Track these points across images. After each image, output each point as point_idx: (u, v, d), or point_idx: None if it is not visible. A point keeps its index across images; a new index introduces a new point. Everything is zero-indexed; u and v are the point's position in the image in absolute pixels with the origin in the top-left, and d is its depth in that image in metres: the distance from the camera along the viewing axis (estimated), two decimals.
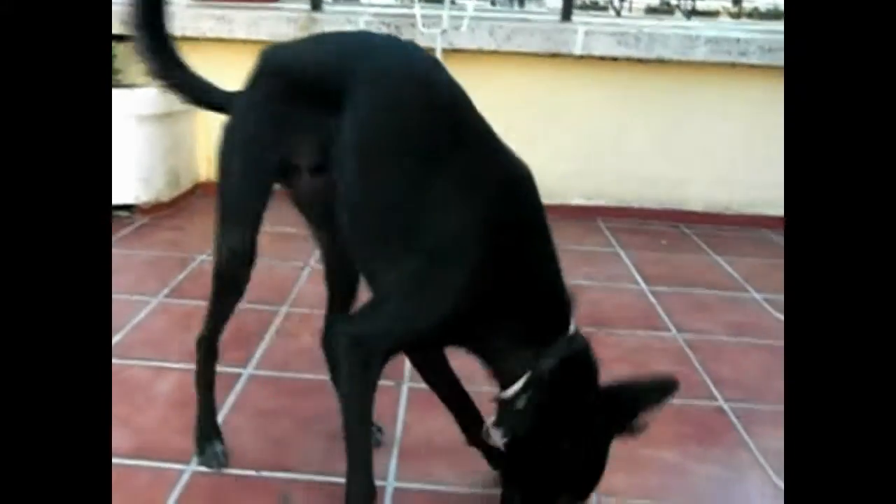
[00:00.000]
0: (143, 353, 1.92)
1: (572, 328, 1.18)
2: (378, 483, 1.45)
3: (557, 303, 1.19)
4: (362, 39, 1.35)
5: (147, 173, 3.09)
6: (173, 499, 1.38)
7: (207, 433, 1.50)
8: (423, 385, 1.80)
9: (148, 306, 2.20)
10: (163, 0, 1.34)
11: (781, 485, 1.53)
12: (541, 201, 1.20)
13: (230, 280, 1.39)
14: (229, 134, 1.33)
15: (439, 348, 1.33)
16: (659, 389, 1.16)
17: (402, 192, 1.15)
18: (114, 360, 1.86)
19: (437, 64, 1.27)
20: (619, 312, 2.42)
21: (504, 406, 1.19)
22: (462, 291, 1.10)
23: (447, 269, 1.11)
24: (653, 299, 2.54)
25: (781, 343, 2.24)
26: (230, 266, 1.36)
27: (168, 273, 2.48)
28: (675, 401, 1.91)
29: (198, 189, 3.49)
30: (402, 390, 1.83)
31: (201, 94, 1.40)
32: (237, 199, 1.34)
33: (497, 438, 1.22)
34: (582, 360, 1.17)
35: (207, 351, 1.49)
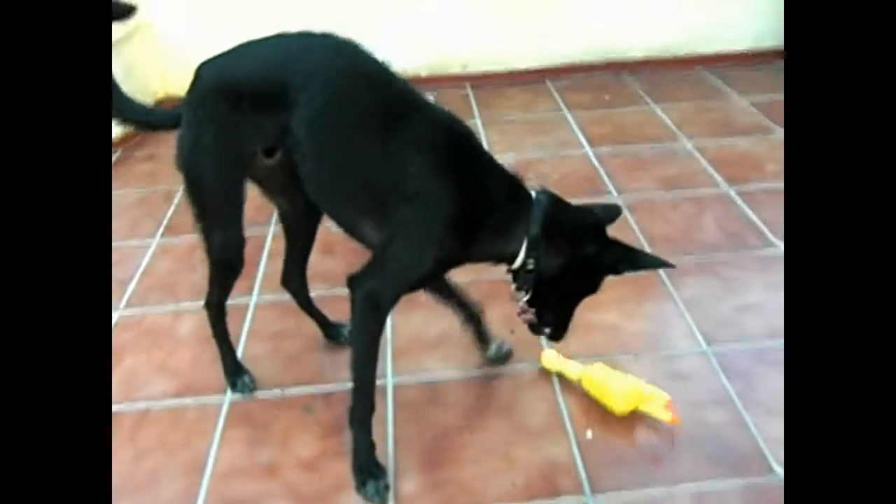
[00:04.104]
0: (158, 297, 2.20)
1: (533, 193, 1.46)
2: (379, 382, 1.80)
3: (513, 185, 1.46)
4: (291, 44, 1.49)
5: None
6: (220, 427, 1.72)
7: (233, 369, 1.81)
8: None
9: (149, 250, 2.46)
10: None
11: (696, 329, 1.91)
12: (480, 142, 1.48)
13: (228, 267, 1.67)
14: (191, 147, 1.52)
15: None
16: (611, 211, 1.53)
17: (366, 162, 1.41)
18: (134, 309, 2.15)
19: (363, 51, 1.46)
20: (566, 181, 2.69)
21: (517, 273, 1.48)
22: (445, 223, 1.38)
23: (427, 210, 1.37)
24: (596, 162, 2.81)
25: (704, 191, 2.57)
26: (227, 256, 1.63)
27: (157, 210, 2.70)
28: None
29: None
30: None
31: (150, 118, 1.66)
32: (219, 200, 1.56)
33: (520, 296, 1.53)
34: (555, 209, 1.45)
35: (217, 314, 1.77)
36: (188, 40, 3.46)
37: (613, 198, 2.55)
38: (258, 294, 2.17)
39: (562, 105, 3.35)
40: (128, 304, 2.17)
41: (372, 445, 1.54)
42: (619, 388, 1.64)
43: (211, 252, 1.63)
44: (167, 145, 3.17)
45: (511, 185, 1.46)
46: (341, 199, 1.50)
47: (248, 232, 1.63)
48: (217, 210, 1.57)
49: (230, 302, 2.14)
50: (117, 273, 2.27)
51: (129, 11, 1.48)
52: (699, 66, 3.63)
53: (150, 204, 2.76)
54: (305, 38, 1.48)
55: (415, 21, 3.53)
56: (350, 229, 1.52)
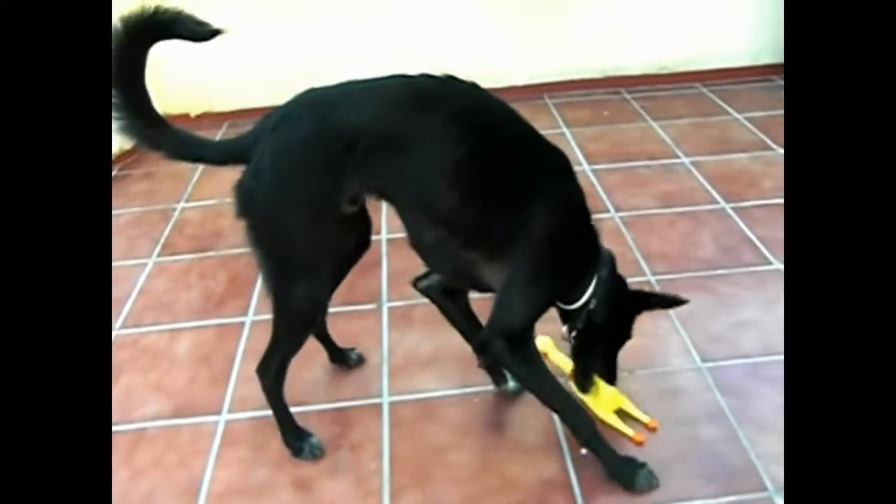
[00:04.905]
0: (155, 317, 2.20)
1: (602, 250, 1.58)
2: (374, 400, 1.81)
3: (595, 238, 1.56)
4: (420, 89, 1.43)
5: None
6: (215, 447, 1.71)
7: (296, 436, 1.67)
8: (400, 304, 2.11)
9: (145, 269, 2.45)
10: (142, 58, 1.42)
11: (691, 345, 1.91)
12: (578, 181, 1.54)
13: (310, 321, 1.55)
14: (277, 192, 1.38)
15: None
16: (670, 301, 1.60)
17: (497, 209, 1.44)
18: (131, 329, 2.15)
19: (488, 93, 1.47)
20: None
21: (574, 312, 1.57)
22: (560, 266, 1.49)
23: (546, 255, 1.45)
24: (594, 179, 2.81)
25: (701, 208, 2.56)
26: (310, 310, 1.51)
27: (154, 229, 2.70)
28: None
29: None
30: (382, 311, 2.14)
31: (207, 154, 1.53)
32: (309, 249, 1.43)
33: (569, 333, 1.62)
34: (611, 257, 1.60)
35: (277, 379, 1.62)
36: (185, 60, 3.49)
37: (610, 215, 2.55)
38: (254, 313, 2.17)
39: (560, 121, 3.37)
40: (124, 324, 2.17)
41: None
42: (606, 388, 1.67)
43: (290, 305, 1.48)
44: (165, 162, 3.21)
45: (594, 236, 1.57)
46: (468, 244, 1.49)
47: (240, 250, 1.60)
48: (305, 259, 1.45)
49: (224, 321, 2.15)
50: (114, 292, 2.27)
51: (213, 33, 1.44)
52: (697, 83, 3.65)
53: (147, 223, 2.76)
54: (433, 81, 1.44)
55: (414, 39, 3.55)
56: (464, 272, 1.53)
